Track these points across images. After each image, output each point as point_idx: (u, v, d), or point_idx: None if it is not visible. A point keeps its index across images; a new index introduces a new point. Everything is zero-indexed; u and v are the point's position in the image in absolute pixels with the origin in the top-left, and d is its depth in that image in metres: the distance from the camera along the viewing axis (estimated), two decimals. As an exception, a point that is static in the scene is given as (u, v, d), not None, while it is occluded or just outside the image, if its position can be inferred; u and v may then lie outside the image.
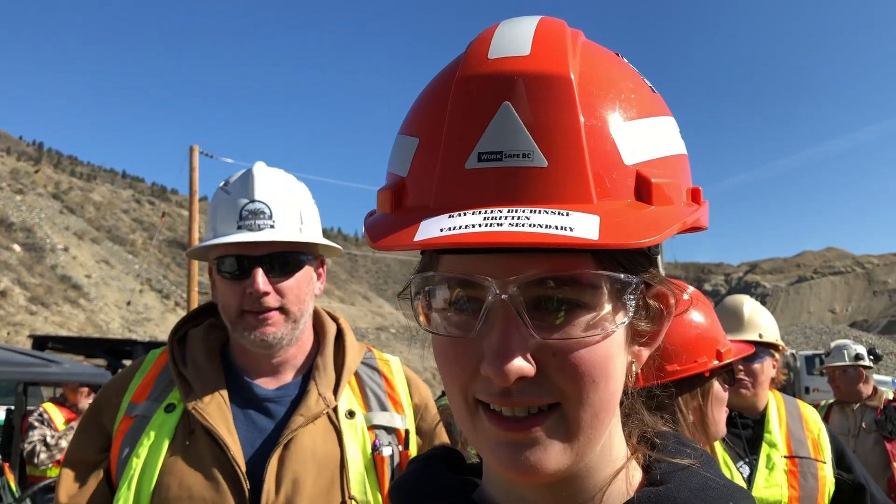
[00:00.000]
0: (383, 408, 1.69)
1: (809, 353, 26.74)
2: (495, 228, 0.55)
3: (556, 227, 0.55)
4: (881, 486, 2.60)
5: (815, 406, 5.14)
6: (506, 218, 0.56)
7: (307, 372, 1.69)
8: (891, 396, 4.89)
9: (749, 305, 2.75)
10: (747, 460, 2.54)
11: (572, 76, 0.60)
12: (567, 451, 0.62)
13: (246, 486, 1.49)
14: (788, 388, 22.95)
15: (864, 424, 4.76)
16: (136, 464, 1.52)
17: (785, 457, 2.51)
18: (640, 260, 0.66)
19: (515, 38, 0.63)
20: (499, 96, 0.59)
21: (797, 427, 2.60)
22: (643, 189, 0.61)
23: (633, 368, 0.68)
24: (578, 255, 0.60)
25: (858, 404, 4.89)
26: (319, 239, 1.71)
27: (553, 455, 0.61)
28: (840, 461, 2.55)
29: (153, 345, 7.77)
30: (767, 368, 2.65)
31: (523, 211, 0.56)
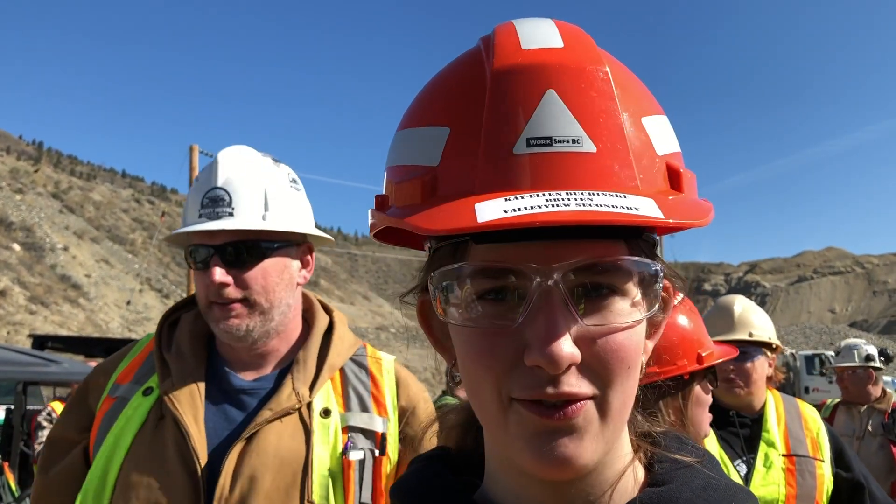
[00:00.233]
0: (364, 408, 1.61)
1: (809, 352, 26.78)
2: (562, 208, 0.55)
3: (623, 208, 0.56)
4: (885, 491, 2.60)
5: (821, 405, 5.12)
6: (570, 199, 0.56)
7: (288, 365, 1.63)
8: None
9: (740, 305, 2.75)
10: (744, 459, 2.55)
11: (607, 68, 0.63)
12: (600, 440, 0.62)
13: (201, 478, 1.44)
14: (788, 387, 22.98)
15: (870, 427, 4.65)
16: (107, 445, 1.51)
17: (783, 455, 2.52)
18: (653, 251, 0.68)
19: (543, 32, 0.65)
20: (542, 84, 0.61)
21: (796, 426, 2.61)
22: (674, 178, 0.64)
23: (642, 361, 0.69)
24: (615, 242, 0.62)
25: (865, 406, 4.77)
26: (291, 226, 1.61)
27: (589, 443, 0.61)
28: (839, 460, 2.55)
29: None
30: (760, 367, 2.65)
31: (583, 194, 0.57)
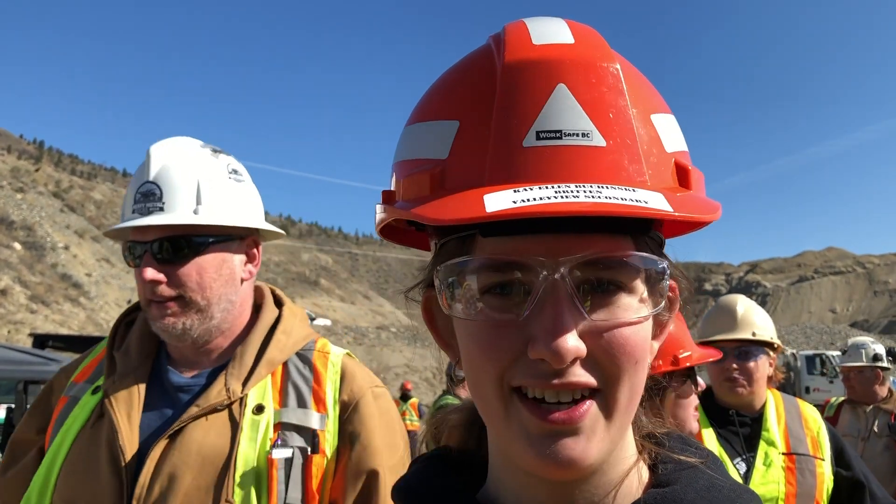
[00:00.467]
0: (302, 404, 1.53)
1: (810, 352, 26.76)
2: (571, 199, 0.55)
3: (633, 201, 0.56)
4: (888, 492, 2.60)
5: (825, 403, 5.09)
6: (580, 191, 0.56)
7: (227, 361, 1.57)
8: None
9: (742, 304, 2.76)
10: (744, 457, 2.56)
11: (618, 65, 0.63)
12: (606, 437, 0.62)
13: (125, 476, 1.41)
14: (789, 387, 22.96)
15: (875, 428, 4.54)
16: (54, 445, 1.50)
17: (783, 454, 2.53)
18: (660, 249, 0.68)
19: (554, 28, 0.66)
20: (553, 78, 0.61)
21: (796, 425, 2.62)
22: (682, 175, 0.64)
23: (649, 360, 0.68)
24: (622, 238, 0.62)
25: (871, 406, 4.66)
26: (227, 220, 1.54)
27: (595, 443, 0.61)
28: (839, 459, 2.56)
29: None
30: (763, 367, 2.66)
31: (591, 186, 0.57)
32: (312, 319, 56.51)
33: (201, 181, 1.54)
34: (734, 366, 2.61)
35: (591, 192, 0.56)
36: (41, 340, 8.31)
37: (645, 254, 0.62)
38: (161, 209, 1.49)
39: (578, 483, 0.66)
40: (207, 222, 1.51)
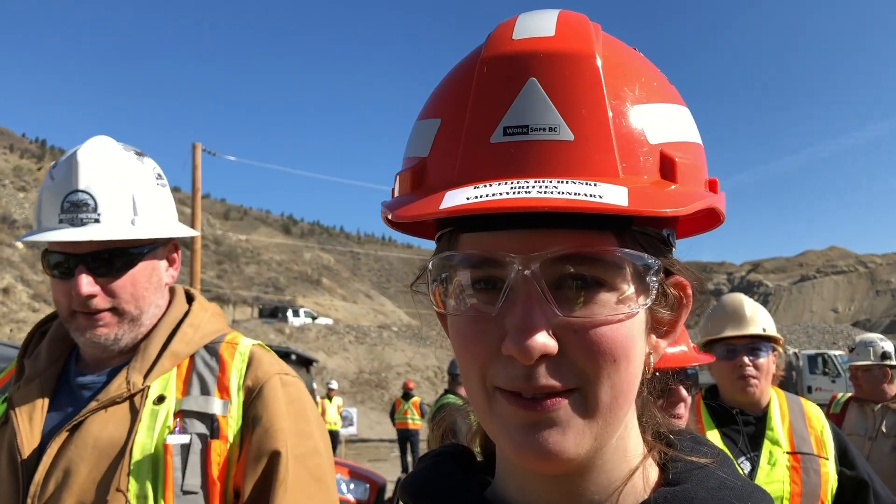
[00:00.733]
0: (205, 392, 1.50)
1: (812, 352, 26.71)
2: (523, 195, 0.55)
3: (585, 195, 0.55)
4: (893, 494, 2.59)
5: (832, 399, 5.02)
6: (533, 186, 0.56)
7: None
8: None
9: (749, 302, 2.75)
10: (749, 456, 2.55)
11: (597, 55, 0.62)
12: (586, 433, 0.61)
13: (21, 475, 1.41)
14: (791, 386, 22.93)
15: (883, 428, 4.42)
16: None
17: (787, 453, 2.52)
18: (660, 245, 0.66)
19: (539, 21, 0.65)
20: (524, 73, 0.61)
21: (800, 423, 2.60)
22: (667, 168, 0.62)
23: (651, 359, 0.68)
24: (602, 233, 0.60)
25: (880, 405, 4.54)
26: (160, 231, 1.52)
27: (572, 437, 0.60)
28: (843, 458, 2.55)
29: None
30: (772, 364, 2.65)
31: (551, 181, 0.57)
32: (314, 318, 56.50)
33: (135, 191, 1.51)
34: (748, 362, 2.59)
35: (545, 187, 0.56)
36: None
37: (626, 249, 0.60)
38: (97, 220, 1.45)
39: (577, 479, 0.66)
40: (147, 235, 1.49)
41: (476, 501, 0.71)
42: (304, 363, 10.36)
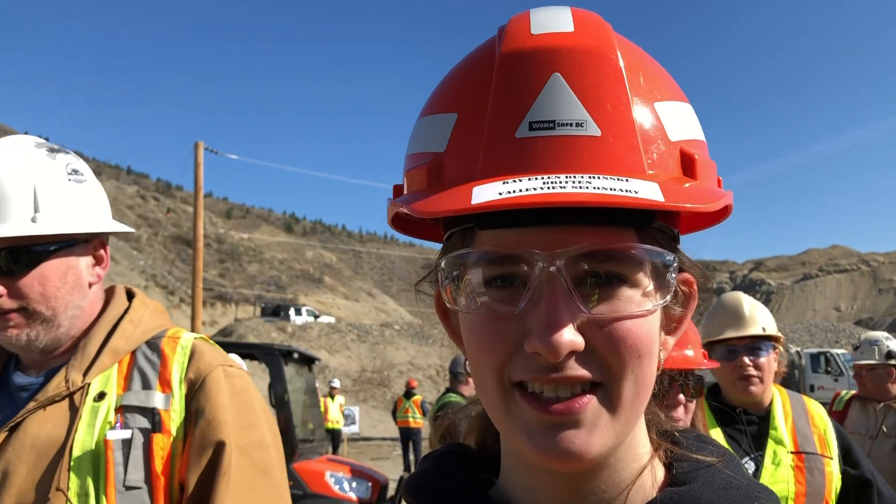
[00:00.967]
0: (146, 387, 1.48)
1: (814, 350, 26.76)
2: (558, 190, 0.55)
3: (621, 190, 0.55)
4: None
5: (835, 397, 4.99)
6: (567, 181, 0.56)
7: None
8: None
9: (748, 301, 2.74)
10: (753, 456, 2.53)
11: (618, 52, 0.62)
12: (610, 431, 0.61)
13: None
14: (793, 385, 22.94)
15: (885, 428, 4.39)
16: None
17: (791, 452, 2.50)
18: (672, 242, 0.66)
19: (555, 17, 0.65)
20: (548, 67, 0.61)
21: (803, 423, 2.59)
22: (687, 165, 0.63)
23: (661, 356, 0.67)
24: (624, 230, 0.61)
25: (882, 404, 4.51)
26: (68, 227, 1.47)
27: (598, 436, 0.60)
28: (846, 457, 2.54)
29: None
30: (773, 362, 2.64)
31: (582, 177, 0.57)
32: (316, 317, 56.57)
33: (38, 186, 1.46)
34: (748, 362, 2.58)
35: (580, 182, 0.56)
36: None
37: (648, 246, 0.61)
38: None
39: (588, 479, 0.65)
40: (47, 231, 1.44)
41: (480, 501, 0.71)
42: (306, 362, 10.37)
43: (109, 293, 1.66)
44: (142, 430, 1.44)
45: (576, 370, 0.59)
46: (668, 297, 0.63)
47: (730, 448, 2.57)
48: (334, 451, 15.79)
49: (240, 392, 1.53)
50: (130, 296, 1.67)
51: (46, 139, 1.61)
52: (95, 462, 1.40)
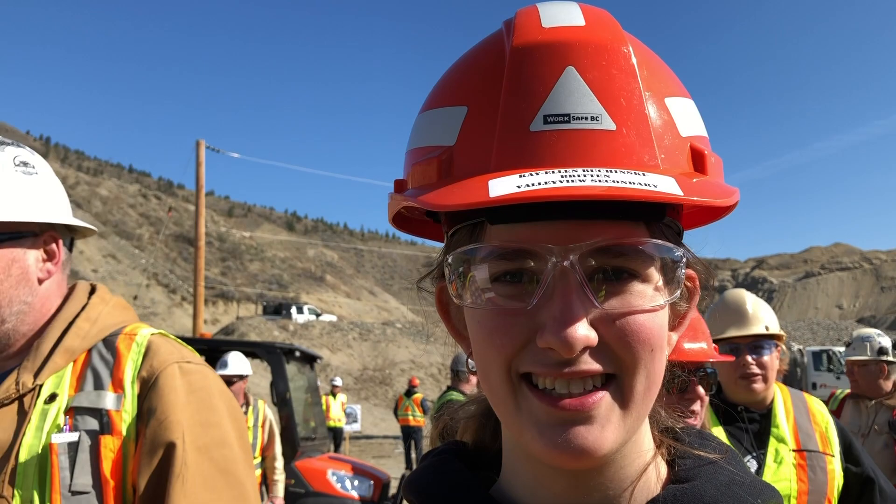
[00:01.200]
0: (98, 387, 1.43)
1: (816, 348, 26.74)
2: (577, 184, 0.55)
3: (640, 184, 0.55)
4: None
5: (831, 396, 4.98)
6: (585, 175, 0.56)
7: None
8: None
9: (751, 299, 2.72)
10: (755, 454, 2.52)
11: (630, 47, 0.62)
12: (621, 427, 0.60)
13: None
14: (795, 383, 22.94)
15: (876, 426, 4.37)
16: None
17: (793, 450, 2.50)
18: (677, 237, 0.66)
19: (565, 11, 0.65)
20: (562, 61, 0.60)
21: (804, 420, 2.58)
22: (697, 160, 0.63)
23: (665, 349, 0.67)
24: (636, 225, 0.61)
25: (874, 401, 4.48)
26: (11, 216, 1.42)
27: (610, 432, 0.59)
28: (848, 454, 2.53)
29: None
30: (776, 360, 2.63)
31: (600, 171, 0.56)
32: (318, 315, 56.56)
33: None
34: (751, 361, 2.57)
35: (598, 176, 0.56)
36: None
37: (659, 241, 0.61)
38: None
39: (594, 476, 0.65)
40: None
41: (481, 499, 0.70)
42: (308, 360, 10.38)
43: (71, 291, 1.60)
44: (89, 432, 1.38)
45: (589, 364, 0.59)
46: (678, 293, 0.63)
47: (731, 446, 2.58)
48: (336, 450, 15.80)
49: (198, 389, 1.47)
50: (92, 292, 1.61)
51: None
52: (42, 467, 1.35)
